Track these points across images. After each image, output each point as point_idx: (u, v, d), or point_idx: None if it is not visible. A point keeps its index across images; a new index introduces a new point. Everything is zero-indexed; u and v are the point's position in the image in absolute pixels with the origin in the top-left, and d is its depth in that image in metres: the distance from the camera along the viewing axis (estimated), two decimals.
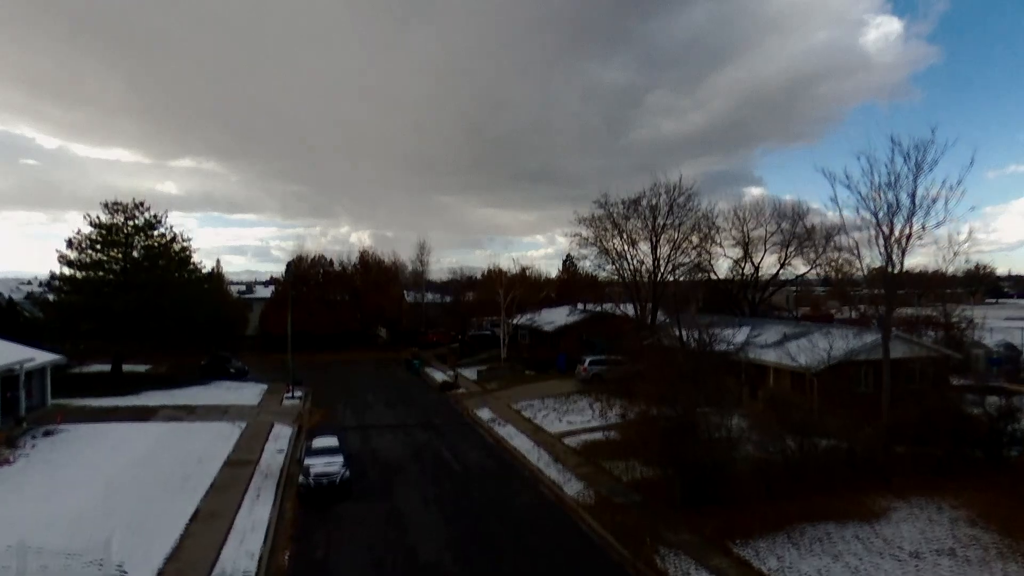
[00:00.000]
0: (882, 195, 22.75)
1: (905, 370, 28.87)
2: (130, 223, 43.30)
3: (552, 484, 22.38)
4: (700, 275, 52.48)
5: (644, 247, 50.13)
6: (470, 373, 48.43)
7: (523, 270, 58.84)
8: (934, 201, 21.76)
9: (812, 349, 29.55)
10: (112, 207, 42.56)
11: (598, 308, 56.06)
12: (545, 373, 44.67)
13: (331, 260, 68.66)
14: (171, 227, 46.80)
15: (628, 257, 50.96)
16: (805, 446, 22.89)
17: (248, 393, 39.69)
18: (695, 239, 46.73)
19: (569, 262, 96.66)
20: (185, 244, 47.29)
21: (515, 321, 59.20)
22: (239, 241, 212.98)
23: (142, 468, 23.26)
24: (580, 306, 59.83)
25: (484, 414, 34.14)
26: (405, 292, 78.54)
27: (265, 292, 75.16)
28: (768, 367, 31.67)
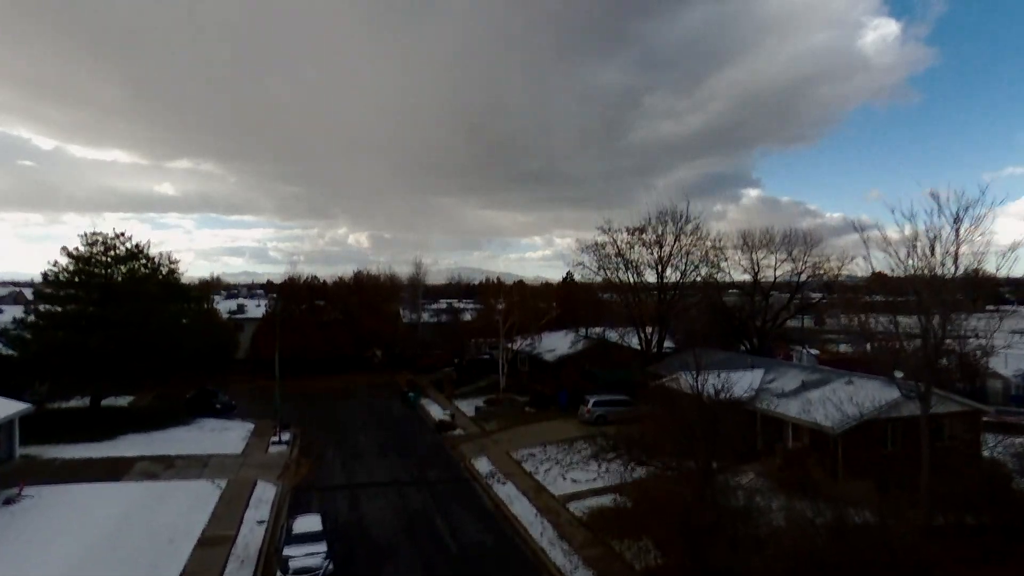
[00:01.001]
0: (919, 248, 20.65)
1: (934, 426, 26.84)
2: (109, 254, 41.19)
3: (557, 575, 20.28)
4: (708, 296, 50.64)
5: (650, 276, 48.35)
6: (468, 407, 46.42)
7: (520, 295, 56.56)
8: (980, 260, 19.66)
9: (836, 406, 27.47)
10: (90, 238, 40.43)
11: (600, 334, 54.14)
12: (546, 410, 42.61)
13: (324, 281, 66.54)
14: (159, 254, 44.93)
15: (631, 283, 49.08)
16: (835, 526, 20.97)
17: (233, 436, 37.55)
18: (704, 270, 44.88)
19: (570, 278, 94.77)
20: (173, 266, 45.40)
21: (514, 346, 57.10)
22: (236, 242, 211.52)
23: (107, 552, 21.12)
24: (582, 331, 57.85)
25: (482, 466, 32.04)
26: (401, 310, 76.53)
27: (257, 311, 72.88)
28: (787, 422, 29.57)
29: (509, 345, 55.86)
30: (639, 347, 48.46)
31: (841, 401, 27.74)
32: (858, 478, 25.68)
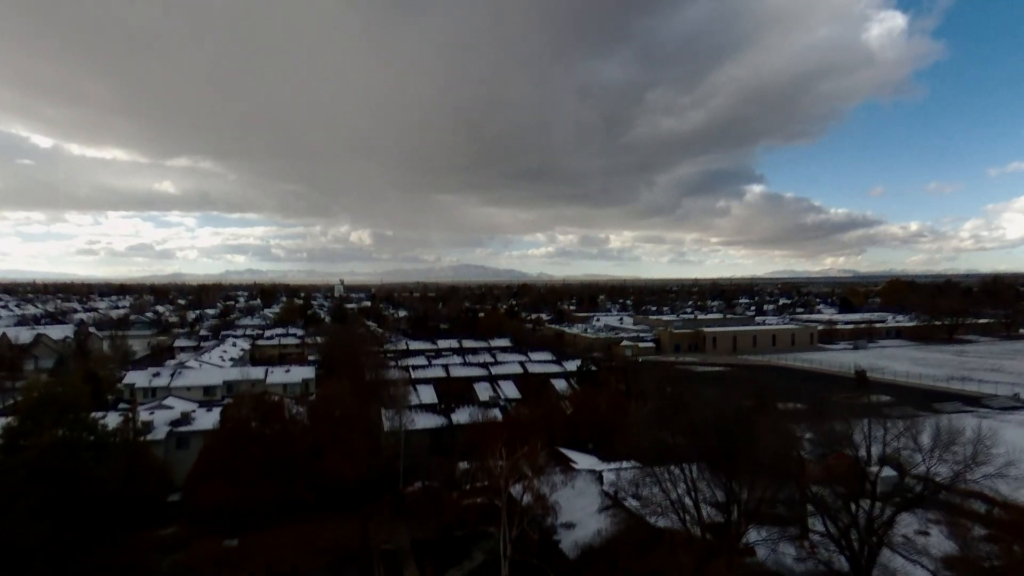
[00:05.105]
0: None
1: None
2: None
3: None
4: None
5: None
6: None
7: (527, 456, 43.02)
8: None
9: None
10: None
11: (633, 494, 41.04)
12: None
13: (279, 398, 53.15)
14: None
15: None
16: None
17: None
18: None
19: (580, 378, 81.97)
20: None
21: (522, 499, 43.86)
22: (239, 240, 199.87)
23: None
24: (610, 470, 44.72)
25: None
26: (384, 412, 63.44)
27: (208, 419, 59.13)
28: None
29: (511, 486, 42.81)
30: (683, 520, 35.61)
31: None
32: None
